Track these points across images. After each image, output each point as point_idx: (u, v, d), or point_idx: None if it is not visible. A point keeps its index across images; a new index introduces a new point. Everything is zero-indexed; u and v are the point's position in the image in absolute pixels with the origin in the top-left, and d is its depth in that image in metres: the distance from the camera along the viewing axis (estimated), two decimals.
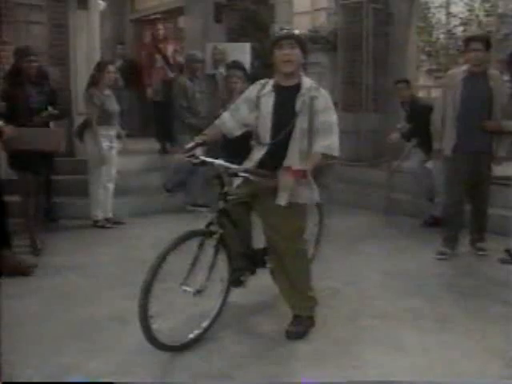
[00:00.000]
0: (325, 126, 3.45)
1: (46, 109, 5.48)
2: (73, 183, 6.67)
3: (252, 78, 7.37)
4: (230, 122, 3.64)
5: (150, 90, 8.35)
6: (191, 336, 3.46)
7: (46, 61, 7.18)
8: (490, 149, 5.10)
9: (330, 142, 3.46)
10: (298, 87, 3.49)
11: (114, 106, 6.33)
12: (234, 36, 9.18)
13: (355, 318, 3.88)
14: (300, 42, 3.47)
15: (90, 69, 7.06)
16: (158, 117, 8.34)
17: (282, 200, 3.36)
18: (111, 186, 6.42)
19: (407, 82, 6.60)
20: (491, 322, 3.83)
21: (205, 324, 3.54)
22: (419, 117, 6.03)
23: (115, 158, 6.43)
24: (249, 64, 8.54)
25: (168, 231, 5.86)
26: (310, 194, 3.54)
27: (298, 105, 3.44)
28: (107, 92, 6.29)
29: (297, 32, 3.52)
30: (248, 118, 3.59)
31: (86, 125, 6.25)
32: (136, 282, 4.43)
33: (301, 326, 3.59)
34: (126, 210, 6.67)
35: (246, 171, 3.39)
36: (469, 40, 5.11)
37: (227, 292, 3.67)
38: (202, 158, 3.51)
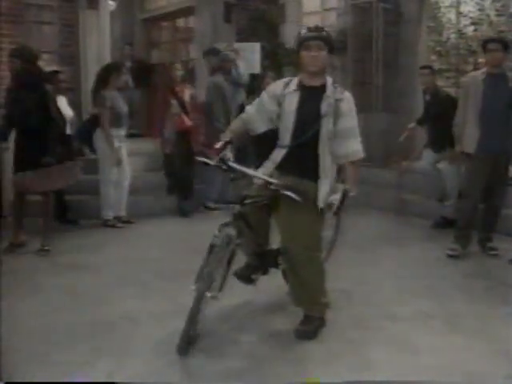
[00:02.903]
0: (350, 131, 3.41)
1: (39, 110, 5.20)
2: (83, 183, 6.67)
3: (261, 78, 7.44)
4: (256, 117, 3.56)
5: (161, 140, 7.01)
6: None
7: (55, 61, 7.24)
8: (510, 149, 5.13)
9: (357, 147, 3.44)
10: (323, 88, 3.43)
11: (123, 106, 6.35)
12: (244, 36, 9.17)
13: (366, 319, 3.86)
14: (328, 43, 3.38)
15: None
16: (169, 173, 7.03)
17: (321, 202, 3.40)
18: (126, 184, 6.46)
19: (431, 68, 6.57)
20: (502, 323, 3.81)
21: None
22: (439, 106, 6.00)
23: (126, 156, 6.46)
24: (259, 64, 8.56)
25: (177, 231, 5.92)
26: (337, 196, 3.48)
27: (324, 107, 3.37)
28: (116, 93, 6.30)
29: (325, 33, 3.39)
30: (274, 114, 3.51)
31: (94, 125, 6.26)
32: (146, 282, 4.46)
33: (311, 326, 3.57)
34: (136, 209, 6.68)
35: (280, 186, 3.28)
36: (487, 42, 5.18)
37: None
38: (232, 164, 3.39)
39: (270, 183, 3.33)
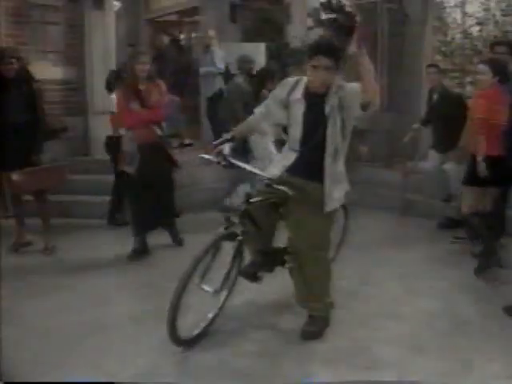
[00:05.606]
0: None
1: (27, 111, 5.14)
2: (86, 183, 6.68)
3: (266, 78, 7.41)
4: (262, 120, 3.63)
5: (118, 155, 5.44)
6: (200, 328, 3.50)
7: (61, 61, 7.27)
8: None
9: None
10: (327, 92, 3.41)
11: None
12: (249, 36, 9.19)
13: (370, 319, 3.87)
14: (337, 59, 3.32)
15: (105, 69, 7.09)
16: (133, 201, 5.37)
17: (328, 207, 3.42)
18: None
19: (438, 67, 6.55)
20: (507, 323, 3.80)
21: (210, 315, 3.59)
22: (448, 105, 5.96)
23: None
24: (264, 64, 8.55)
25: (183, 231, 5.90)
26: (343, 193, 3.56)
27: (327, 110, 3.37)
28: None
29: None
30: (281, 118, 3.58)
31: None
32: (150, 283, 4.47)
33: (316, 326, 3.59)
34: None
35: (273, 181, 3.31)
36: (493, 45, 5.35)
37: (233, 285, 3.70)
38: (232, 160, 3.45)
39: (265, 178, 3.36)
